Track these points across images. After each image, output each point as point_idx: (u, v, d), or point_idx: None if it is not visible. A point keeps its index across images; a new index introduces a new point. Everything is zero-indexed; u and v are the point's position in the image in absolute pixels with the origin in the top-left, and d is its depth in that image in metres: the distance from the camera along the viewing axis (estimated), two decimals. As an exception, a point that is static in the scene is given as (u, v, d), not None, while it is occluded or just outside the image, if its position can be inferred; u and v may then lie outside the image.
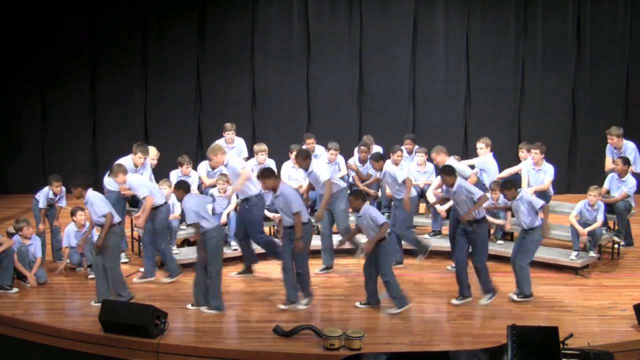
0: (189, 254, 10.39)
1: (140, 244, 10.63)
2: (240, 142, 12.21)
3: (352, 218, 11.79)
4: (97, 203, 9.17)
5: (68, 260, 10.43)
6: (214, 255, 8.97)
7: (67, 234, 10.35)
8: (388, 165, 10.48)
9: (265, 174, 9.08)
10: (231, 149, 12.03)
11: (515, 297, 9.31)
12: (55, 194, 10.63)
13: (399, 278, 9.39)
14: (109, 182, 10.57)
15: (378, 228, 8.78)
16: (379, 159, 10.39)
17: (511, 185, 9.32)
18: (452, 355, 7.36)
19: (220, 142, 12.12)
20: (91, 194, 9.23)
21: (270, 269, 10.60)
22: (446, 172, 9.26)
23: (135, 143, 10.90)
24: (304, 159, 10.00)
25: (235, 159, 10.48)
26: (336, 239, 10.26)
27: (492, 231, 11.32)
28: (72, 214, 10.37)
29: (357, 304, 9.16)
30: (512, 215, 11.23)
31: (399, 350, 7.96)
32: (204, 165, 11.40)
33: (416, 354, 7.61)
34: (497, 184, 10.75)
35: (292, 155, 11.35)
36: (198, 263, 9.05)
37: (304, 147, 11.72)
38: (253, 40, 15.10)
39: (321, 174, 10.03)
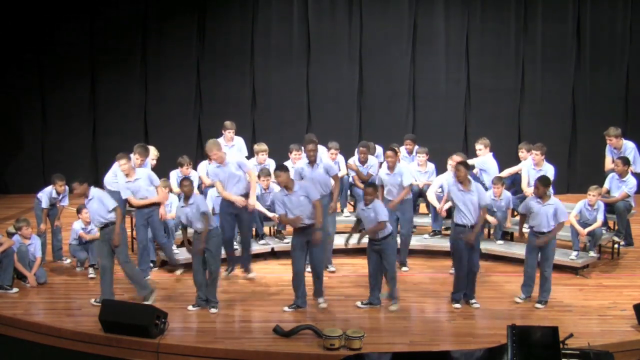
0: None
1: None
2: (239, 141, 12.21)
3: (342, 218, 11.82)
4: (105, 197, 9.12)
5: (70, 260, 10.48)
6: (216, 254, 9.11)
7: (75, 230, 10.39)
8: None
9: (281, 169, 9.14)
10: (230, 147, 12.02)
11: (518, 300, 9.27)
12: (58, 193, 10.63)
13: (399, 278, 9.40)
14: (109, 182, 10.56)
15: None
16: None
17: (549, 182, 9.28)
18: (452, 355, 7.35)
19: (219, 140, 12.12)
20: (97, 190, 9.21)
21: (271, 269, 10.63)
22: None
23: (135, 143, 10.89)
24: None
25: (237, 155, 10.45)
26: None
27: (491, 231, 11.33)
28: (78, 211, 10.41)
29: (359, 303, 9.16)
30: (513, 215, 11.27)
31: (399, 350, 7.96)
32: (203, 165, 11.37)
33: (416, 353, 7.61)
34: (499, 179, 10.79)
35: (292, 155, 11.35)
36: (196, 265, 9.08)
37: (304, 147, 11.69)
38: (253, 41, 15.10)
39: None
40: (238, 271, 10.29)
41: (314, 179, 9.82)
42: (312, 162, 9.93)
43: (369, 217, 8.97)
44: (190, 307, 9.09)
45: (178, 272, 10.29)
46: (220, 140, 12.09)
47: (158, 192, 10.05)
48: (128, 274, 9.23)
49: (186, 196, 9.09)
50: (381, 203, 9.17)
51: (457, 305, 9.20)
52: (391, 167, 10.21)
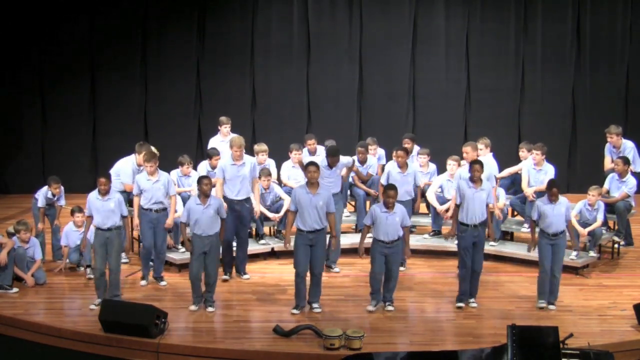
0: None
1: (140, 244, 10.65)
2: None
3: (342, 218, 11.81)
4: (123, 202, 9.32)
5: (67, 260, 10.44)
6: (217, 255, 9.15)
7: (66, 233, 10.36)
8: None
9: (315, 165, 9.06)
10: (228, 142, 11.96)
11: (553, 307, 9.17)
12: (54, 195, 10.63)
13: (398, 278, 9.38)
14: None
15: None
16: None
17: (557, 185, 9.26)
18: (462, 355, 7.32)
19: (215, 138, 12.12)
20: (117, 192, 9.50)
21: (271, 269, 10.62)
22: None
23: (135, 143, 10.87)
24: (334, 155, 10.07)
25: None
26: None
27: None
28: (71, 213, 10.38)
29: (369, 307, 9.10)
30: (513, 214, 11.24)
31: (400, 350, 7.96)
32: (204, 165, 11.36)
33: (421, 353, 7.59)
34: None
35: (292, 155, 11.35)
36: (195, 265, 9.05)
37: (305, 148, 11.67)
38: (253, 41, 15.09)
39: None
40: (232, 273, 10.27)
41: (333, 179, 10.05)
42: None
43: (393, 221, 8.86)
44: (192, 307, 9.07)
45: (162, 283, 10.01)
46: (217, 136, 12.12)
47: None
48: (115, 279, 9.17)
49: (204, 195, 9.05)
50: (402, 207, 9.08)
51: (460, 305, 9.17)
52: (402, 166, 10.32)
